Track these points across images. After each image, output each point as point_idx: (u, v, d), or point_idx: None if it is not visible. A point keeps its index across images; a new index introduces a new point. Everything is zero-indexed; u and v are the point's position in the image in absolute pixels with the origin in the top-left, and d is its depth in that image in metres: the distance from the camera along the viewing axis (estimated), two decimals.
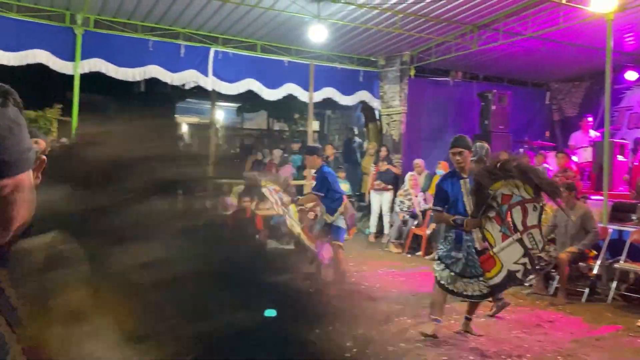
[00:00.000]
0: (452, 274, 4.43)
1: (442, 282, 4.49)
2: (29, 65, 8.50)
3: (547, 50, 10.35)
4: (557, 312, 5.54)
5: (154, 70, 9.31)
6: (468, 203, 4.46)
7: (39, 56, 8.42)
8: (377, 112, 12.05)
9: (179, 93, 13.94)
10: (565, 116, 13.12)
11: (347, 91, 11.26)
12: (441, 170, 9.25)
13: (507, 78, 13.00)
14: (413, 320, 4.97)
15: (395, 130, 11.19)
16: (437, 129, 12.09)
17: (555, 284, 6.39)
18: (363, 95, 11.51)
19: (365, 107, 12.38)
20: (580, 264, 6.20)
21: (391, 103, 11.36)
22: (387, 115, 11.43)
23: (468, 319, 4.67)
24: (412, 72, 11.51)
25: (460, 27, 9.65)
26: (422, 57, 11.23)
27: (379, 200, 10.04)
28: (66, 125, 9.18)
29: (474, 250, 4.38)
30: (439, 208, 4.63)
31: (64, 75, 8.99)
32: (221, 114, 17.38)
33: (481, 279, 4.32)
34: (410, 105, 11.41)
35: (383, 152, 10.20)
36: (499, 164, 4.24)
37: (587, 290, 6.10)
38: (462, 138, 4.69)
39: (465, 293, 4.43)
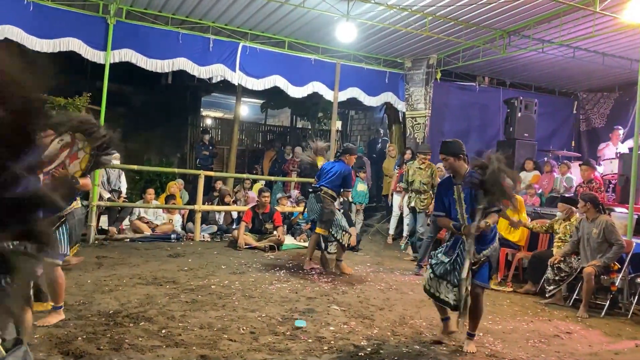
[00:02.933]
0: (432, 274, 4.31)
1: (424, 283, 4.42)
2: (60, 53, 8.67)
3: (577, 59, 10.21)
4: (575, 324, 5.47)
5: (182, 63, 9.42)
6: (460, 210, 4.31)
7: (72, 44, 8.59)
8: (401, 114, 12.02)
9: (205, 87, 14.09)
10: (592, 127, 12.92)
11: (372, 92, 11.25)
12: None
13: (535, 85, 12.87)
14: (427, 323, 4.96)
15: (419, 133, 11.15)
16: (461, 134, 11.98)
17: (574, 295, 6.31)
18: (388, 96, 11.49)
19: (389, 109, 12.35)
20: (602, 277, 6.11)
21: (416, 106, 11.32)
22: (412, 117, 11.40)
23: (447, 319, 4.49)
24: (438, 76, 11.46)
25: (490, 32, 9.57)
26: (449, 61, 11.17)
27: (400, 203, 10.03)
28: (94, 114, 9.34)
29: (462, 259, 4.17)
30: (439, 213, 4.44)
31: (94, 64, 9.15)
32: (245, 110, 17.49)
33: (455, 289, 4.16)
34: (435, 108, 11.35)
35: (407, 154, 10.16)
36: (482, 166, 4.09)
37: (607, 304, 6.01)
38: (446, 143, 4.45)
39: (437, 295, 4.28)
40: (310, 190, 7.05)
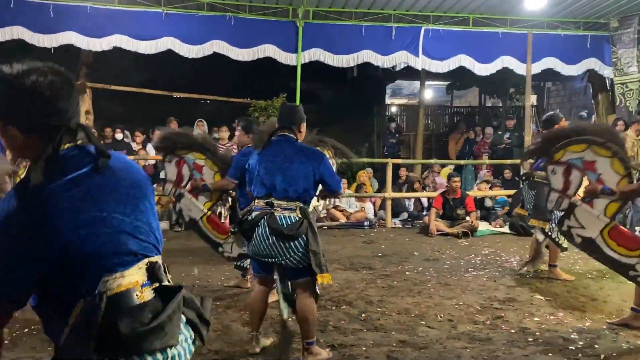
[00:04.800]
0: None
1: None
2: (259, 60, 9.54)
3: None
4: None
5: (366, 55, 9.65)
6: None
7: (268, 50, 9.39)
8: (608, 82, 10.69)
9: (389, 75, 14.24)
10: None
11: (571, 60, 10.19)
12: None
13: None
14: None
15: (632, 100, 9.78)
16: None
17: None
18: (591, 63, 10.29)
19: (593, 77, 11.05)
20: None
21: (626, 70, 9.94)
22: (622, 84, 10.04)
23: None
24: None
25: None
26: None
27: None
28: None
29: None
30: None
31: (288, 66, 9.89)
32: (430, 93, 17.23)
33: None
34: None
35: (619, 126, 8.98)
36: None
37: None
38: None
39: None
40: (523, 177, 6.36)
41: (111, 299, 1.29)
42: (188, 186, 4.89)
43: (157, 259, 1.44)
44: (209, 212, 4.91)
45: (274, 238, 3.20)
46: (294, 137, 3.43)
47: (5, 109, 1.33)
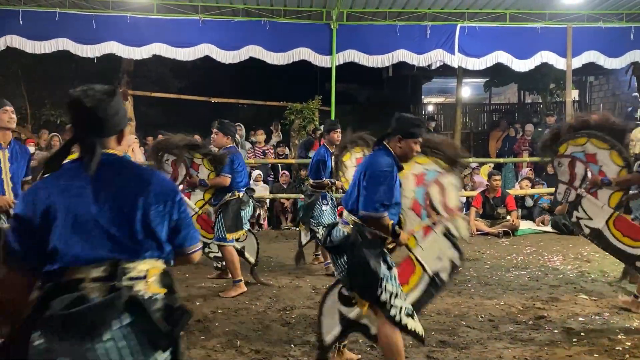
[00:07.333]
0: None
1: None
2: (294, 63, 9.62)
3: None
4: None
5: (401, 54, 9.59)
6: None
7: (302, 53, 9.46)
8: None
9: (425, 73, 14.14)
10: None
11: (614, 53, 9.86)
12: None
13: None
14: None
15: None
16: None
17: None
18: (635, 55, 9.93)
19: (638, 69, 10.69)
20: None
21: None
22: None
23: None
24: None
25: None
26: None
27: None
28: (326, 114, 10.16)
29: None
30: None
31: (322, 68, 9.94)
32: (467, 91, 16.99)
33: None
34: None
35: None
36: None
37: None
38: None
39: None
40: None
41: (60, 285, 1.55)
42: (182, 185, 5.11)
43: (134, 264, 1.61)
44: (200, 211, 5.13)
45: None
46: None
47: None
